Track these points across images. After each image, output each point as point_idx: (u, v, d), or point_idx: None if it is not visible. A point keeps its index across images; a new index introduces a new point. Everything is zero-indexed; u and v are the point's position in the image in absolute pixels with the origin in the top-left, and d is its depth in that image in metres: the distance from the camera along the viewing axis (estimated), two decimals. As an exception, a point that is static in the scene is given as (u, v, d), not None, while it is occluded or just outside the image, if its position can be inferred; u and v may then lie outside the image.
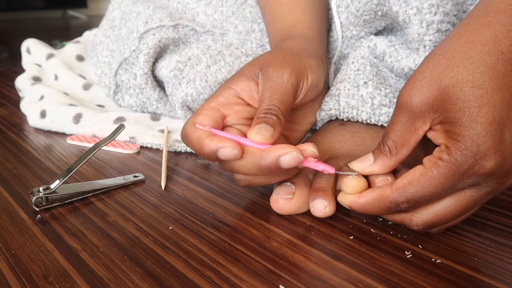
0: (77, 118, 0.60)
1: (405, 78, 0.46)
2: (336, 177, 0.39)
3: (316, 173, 0.40)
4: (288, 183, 0.40)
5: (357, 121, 0.44)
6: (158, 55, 0.61)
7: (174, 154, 0.54)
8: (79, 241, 0.36)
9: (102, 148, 0.44)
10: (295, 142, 0.44)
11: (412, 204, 0.33)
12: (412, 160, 0.35)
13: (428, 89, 0.31)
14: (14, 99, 0.77)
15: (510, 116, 0.30)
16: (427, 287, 0.31)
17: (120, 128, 0.45)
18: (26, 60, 0.81)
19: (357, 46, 0.49)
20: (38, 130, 0.62)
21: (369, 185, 0.36)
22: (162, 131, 0.58)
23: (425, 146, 0.35)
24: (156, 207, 0.41)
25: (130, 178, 0.47)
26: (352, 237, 0.37)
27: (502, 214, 0.41)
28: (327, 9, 0.53)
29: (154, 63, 0.61)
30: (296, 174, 0.40)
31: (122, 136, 0.57)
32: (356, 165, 0.36)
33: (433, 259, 0.34)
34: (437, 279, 0.32)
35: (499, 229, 0.38)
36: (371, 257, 0.34)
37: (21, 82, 0.74)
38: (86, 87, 0.72)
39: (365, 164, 0.36)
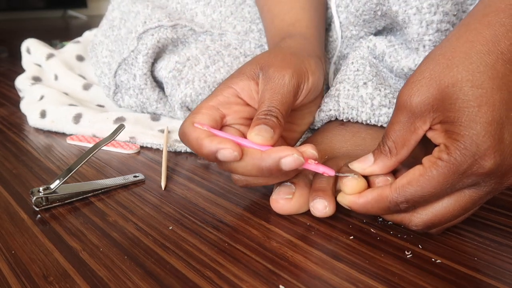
0: (77, 118, 0.60)
1: (405, 78, 0.46)
2: (336, 177, 0.39)
3: (316, 173, 0.40)
4: (288, 183, 0.40)
5: (357, 121, 0.44)
6: (157, 56, 0.61)
7: (174, 154, 0.54)
8: (79, 241, 0.36)
9: (102, 148, 0.44)
10: (292, 143, 0.44)
11: (412, 204, 0.33)
12: (412, 160, 0.35)
13: (427, 89, 0.31)
14: (14, 99, 0.77)
15: (510, 115, 0.30)
16: (427, 287, 0.31)
17: (120, 128, 0.45)
18: (26, 60, 0.81)
19: (356, 47, 0.49)
20: (38, 130, 0.62)
21: (369, 185, 0.36)
22: (162, 131, 0.58)
23: (425, 146, 0.35)
24: (156, 207, 0.42)
25: (130, 178, 0.47)
26: (352, 237, 0.37)
27: (502, 214, 0.41)
28: (325, 7, 0.53)
29: (153, 64, 0.61)
30: (296, 175, 0.40)
31: (122, 136, 0.57)
32: (356, 165, 0.36)
33: (433, 259, 0.34)
34: (437, 279, 0.32)
35: (499, 229, 0.38)
36: (371, 257, 0.34)
37: (21, 82, 0.74)
38: (86, 87, 0.72)
39: (365, 164, 0.36)
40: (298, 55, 0.41)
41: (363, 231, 0.37)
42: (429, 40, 0.42)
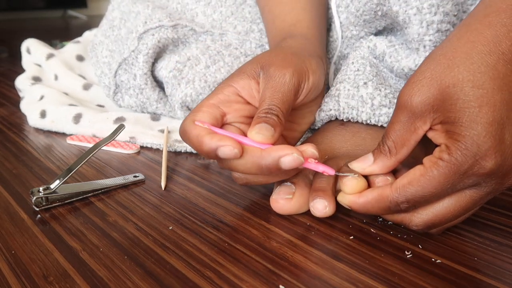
0: (77, 118, 0.60)
1: (405, 78, 0.46)
2: (336, 177, 0.39)
3: (316, 173, 0.40)
4: (288, 183, 0.40)
5: (357, 121, 0.44)
6: (158, 56, 0.61)
7: (174, 154, 0.54)
8: (79, 241, 0.36)
9: (102, 148, 0.44)
10: (293, 142, 0.44)
11: (412, 204, 0.33)
12: (412, 160, 0.35)
13: (428, 89, 0.31)
14: (14, 99, 0.77)
15: (510, 116, 0.30)
16: (427, 287, 0.31)
17: (120, 128, 0.45)
18: (26, 60, 0.81)
19: (356, 47, 0.49)
20: (38, 130, 0.62)
21: (369, 185, 0.36)
22: (162, 131, 0.58)
23: (425, 146, 0.35)
24: (156, 207, 0.41)
25: (130, 178, 0.47)
26: (352, 237, 0.37)
27: (502, 214, 0.41)
28: (326, 7, 0.53)
29: (153, 64, 0.61)
30: (296, 174, 0.40)
31: (122, 136, 0.57)
32: (356, 165, 0.36)
33: (433, 259, 0.34)
34: (437, 279, 0.32)
35: (499, 229, 0.38)
36: (371, 257, 0.34)
37: (21, 82, 0.74)
38: (86, 87, 0.72)
39: (365, 164, 0.36)
40: (299, 55, 0.41)
41: (363, 231, 0.37)
42: (430, 40, 0.42)
